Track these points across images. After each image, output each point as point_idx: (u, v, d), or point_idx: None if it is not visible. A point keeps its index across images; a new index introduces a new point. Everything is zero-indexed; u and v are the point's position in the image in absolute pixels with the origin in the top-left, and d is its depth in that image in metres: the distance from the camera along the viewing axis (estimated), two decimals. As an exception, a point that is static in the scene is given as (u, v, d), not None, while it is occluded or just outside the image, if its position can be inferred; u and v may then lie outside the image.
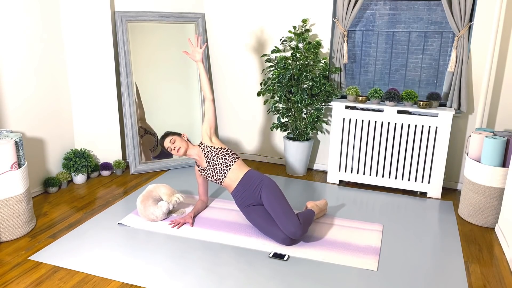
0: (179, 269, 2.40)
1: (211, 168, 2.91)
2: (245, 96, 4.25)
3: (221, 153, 2.91)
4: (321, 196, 3.49)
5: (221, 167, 2.88)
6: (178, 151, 2.93)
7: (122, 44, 3.76)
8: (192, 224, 2.90)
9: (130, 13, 3.80)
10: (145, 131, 3.92)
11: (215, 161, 2.89)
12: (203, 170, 2.97)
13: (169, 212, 3.07)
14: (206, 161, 2.93)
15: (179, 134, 3.03)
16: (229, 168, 2.87)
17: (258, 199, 2.81)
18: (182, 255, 2.54)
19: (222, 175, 2.88)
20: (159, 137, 3.98)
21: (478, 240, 2.85)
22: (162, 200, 2.97)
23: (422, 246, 2.72)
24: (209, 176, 2.95)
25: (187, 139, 3.03)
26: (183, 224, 2.89)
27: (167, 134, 3.01)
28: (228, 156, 2.89)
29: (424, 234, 2.88)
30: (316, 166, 4.17)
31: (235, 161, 2.89)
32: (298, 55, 3.71)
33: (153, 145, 3.97)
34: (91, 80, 3.71)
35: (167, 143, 2.96)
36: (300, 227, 2.58)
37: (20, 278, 2.30)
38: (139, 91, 3.89)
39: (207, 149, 2.94)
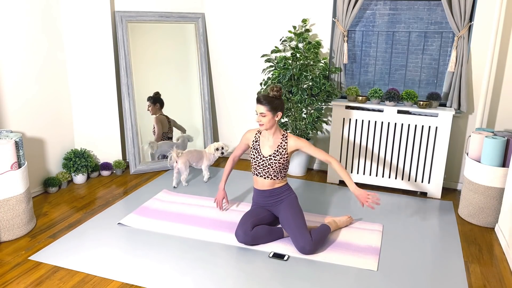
0: (179, 269, 2.40)
1: (264, 165, 2.74)
2: (245, 96, 4.25)
3: (279, 165, 2.73)
4: (321, 196, 3.48)
5: (269, 170, 2.74)
6: (260, 122, 2.67)
7: (122, 44, 3.76)
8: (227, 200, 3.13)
9: (130, 13, 3.80)
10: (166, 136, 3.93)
11: (272, 166, 2.73)
12: (258, 154, 2.77)
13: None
14: (268, 164, 2.74)
15: (281, 110, 2.69)
16: (270, 178, 2.76)
17: (274, 208, 2.79)
18: (182, 255, 2.54)
19: (264, 174, 2.76)
20: (188, 136, 4.10)
21: (478, 240, 2.85)
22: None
23: (422, 246, 2.72)
24: (254, 160, 2.79)
25: (279, 119, 2.72)
26: (222, 201, 3.10)
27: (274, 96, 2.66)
28: (281, 172, 2.76)
29: (424, 234, 2.88)
30: (316, 166, 4.17)
31: (282, 179, 2.79)
32: (298, 55, 3.71)
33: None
34: (91, 80, 3.71)
35: (264, 104, 2.63)
36: (309, 243, 2.53)
37: (20, 278, 2.30)
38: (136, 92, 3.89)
39: (278, 157, 2.73)
